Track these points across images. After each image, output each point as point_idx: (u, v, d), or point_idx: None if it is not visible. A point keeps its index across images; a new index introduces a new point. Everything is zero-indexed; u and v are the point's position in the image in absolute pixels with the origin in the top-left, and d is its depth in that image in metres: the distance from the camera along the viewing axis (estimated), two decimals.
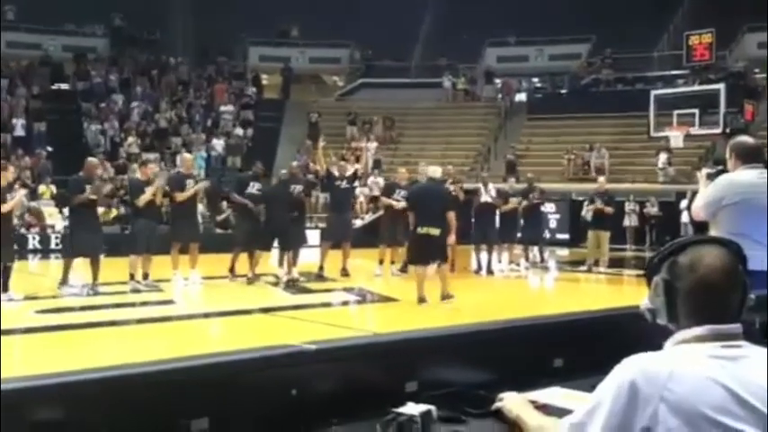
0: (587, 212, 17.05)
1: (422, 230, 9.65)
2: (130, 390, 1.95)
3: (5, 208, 9.49)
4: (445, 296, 9.58)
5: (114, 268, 11.19)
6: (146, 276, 11.01)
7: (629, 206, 20.82)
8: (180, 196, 11.55)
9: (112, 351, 6.80)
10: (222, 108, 27.08)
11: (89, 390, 1.92)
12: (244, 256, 12.13)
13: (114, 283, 10.95)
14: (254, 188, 12.27)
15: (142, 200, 10.87)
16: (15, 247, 10.99)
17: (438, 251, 9.74)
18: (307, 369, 2.18)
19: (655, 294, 1.92)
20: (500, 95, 28.66)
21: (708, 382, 1.75)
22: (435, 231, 9.61)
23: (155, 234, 11.26)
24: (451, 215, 9.83)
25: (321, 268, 12.69)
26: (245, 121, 27.17)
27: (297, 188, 12.52)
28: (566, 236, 21.16)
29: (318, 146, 13.92)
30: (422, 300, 9.61)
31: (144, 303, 9.93)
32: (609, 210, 14.57)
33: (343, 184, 13.00)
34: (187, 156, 14.50)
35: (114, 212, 18.42)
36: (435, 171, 10.62)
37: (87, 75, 27.17)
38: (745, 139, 5.11)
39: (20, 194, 11.58)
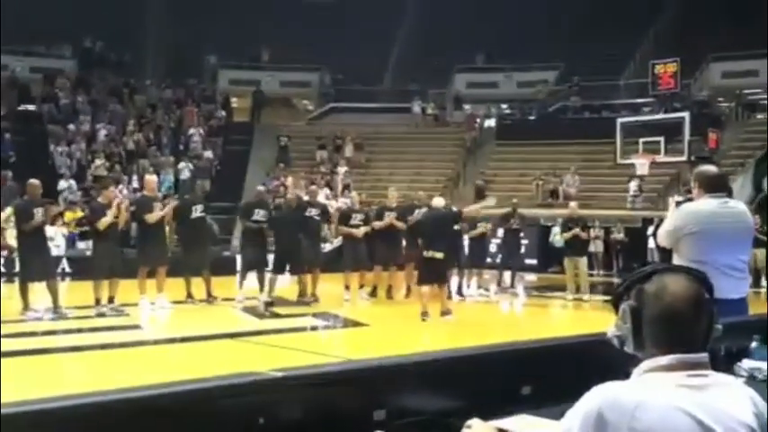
0: (558, 239, 17.10)
1: (428, 254, 10.74)
2: (88, 419, 1.91)
3: None
4: (445, 312, 10.69)
5: (78, 292, 11.04)
6: (111, 300, 10.87)
7: (594, 232, 21.00)
8: (150, 218, 11.47)
9: (73, 378, 6.70)
10: (191, 131, 26.96)
11: (44, 419, 1.88)
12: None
13: (78, 308, 10.79)
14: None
15: (103, 223, 10.71)
16: None
17: (442, 273, 11.02)
18: (274, 397, 2.15)
19: (622, 321, 1.92)
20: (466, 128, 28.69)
21: (675, 411, 1.75)
22: (439, 255, 10.67)
23: (117, 258, 11.12)
24: (457, 240, 11.63)
25: (301, 294, 12.69)
26: (213, 144, 27.06)
27: (313, 212, 12.88)
28: (534, 261, 21.25)
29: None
30: (425, 314, 10.65)
31: (109, 328, 9.79)
32: (584, 235, 14.54)
33: (314, 212, 13.01)
34: (151, 178, 14.38)
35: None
36: (439, 201, 11.90)
37: (55, 96, 26.94)
38: (708, 168, 5.20)
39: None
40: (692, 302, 1.86)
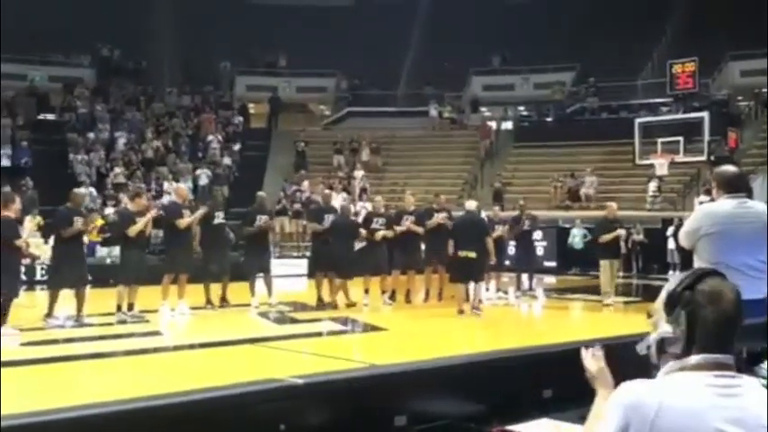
0: (578, 240, 16.94)
1: (462, 254, 11.70)
2: (109, 427, 1.93)
3: (20, 241, 9.46)
4: (475, 307, 11.69)
5: (98, 299, 11.10)
6: (131, 307, 10.92)
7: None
8: (182, 223, 11.57)
9: (96, 385, 6.73)
10: (209, 137, 27.07)
11: (67, 428, 1.90)
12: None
13: (99, 315, 10.86)
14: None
15: (133, 230, 10.82)
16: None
17: (476, 271, 11.84)
18: (295, 403, 2.16)
19: (676, 324, 1.92)
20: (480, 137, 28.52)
21: (696, 413, 1.76)
22: (473, 254, 11.62)
23: (143, 264, 11.24)
24: (489, 240, 12.02)
25: (320, 299, 12.69)
26: (231, 151, 27.16)
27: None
28: (553, 263, 21.19)
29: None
30: (461, 311, 11.64)
31: (130, 335, 9.84)
32: (624, 235, 14.14)
33: (330, 217, 13.05)
34: (181, 185, 14.62)
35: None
36: (471, 204, 12.90)
37: (74, 105, 27.15)
38: (727, 168, 5.17)
39: (28, 225, 11.57)
40: (736, 306, 1.89)
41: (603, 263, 13.61)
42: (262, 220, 12.66)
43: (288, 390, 2.16)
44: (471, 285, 12.04)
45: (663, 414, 1.75)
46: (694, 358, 1.85)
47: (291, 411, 2.16)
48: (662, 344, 1.94)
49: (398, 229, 13.24)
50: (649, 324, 2.03)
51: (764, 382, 3.23)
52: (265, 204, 13.79)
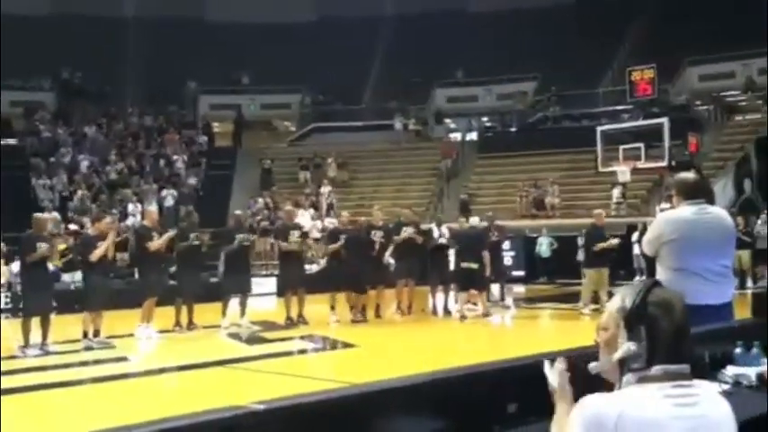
0: (545, 249, 16.94)
1: (464, 265, 13.03)
2: None
3: None
4: (485, 314, 13.28)
5: (64, 326, 10.96)
6: (96, 334, 10.77)
7: (580, 241, 21.00)
8: (153, 245, 11.48)
9: (65, 414, 6.64)
10: (173, 157, 26.91)
11: None
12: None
13: (65, 342, 10.71)
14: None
15: (95, 255, 10.67)
16: None
17: (477, 280, 13.16)
18: (257, 430, 2.14)
19: (638, 340, 1.92)
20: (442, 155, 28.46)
21: (655, 424, 1.78)
22: (475, 266, 12.90)
23: (108, 289, 11.11)
24: (485, 254, 13.21)
25: (289, 317, 12.65)
26: (196, 170, 27.00)
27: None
28: (521, 273, 21.29)
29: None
30: (463, 317, 12.94)
31: (97, 361, 9.72)
32: (614, 243, 13.57)
33: (296, 234, 13.04)
34: (151, 209, 14.53)
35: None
36: (475, 220, 14.54)
37: (35, 129, 26.85)
38: (687, 175, 5.24)
39: None
40: (686, 316, 1.91)
41: (589, 271, 13.63)
42: (239, 238, 12.56)
43: (248, 416, 2.14)
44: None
45: (622, 426, 1.77)
46: (652, 370, 1.87)
47: None
48: (624, 361, 1.94)
49: (396, 239, 13.52)
50: (599, 341, 2.03)
51: (725, 387, 3.27)
52: (243, 223, 13.74)
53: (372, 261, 13.28)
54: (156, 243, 11.58)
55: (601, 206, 22.79)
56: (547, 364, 2.20)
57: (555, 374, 2.19)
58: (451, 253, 14.21)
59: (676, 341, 1.90)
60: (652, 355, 1.89)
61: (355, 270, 12.88)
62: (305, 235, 14.59)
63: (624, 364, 1.93)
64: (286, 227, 13.47)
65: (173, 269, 13.02)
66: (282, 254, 13.33)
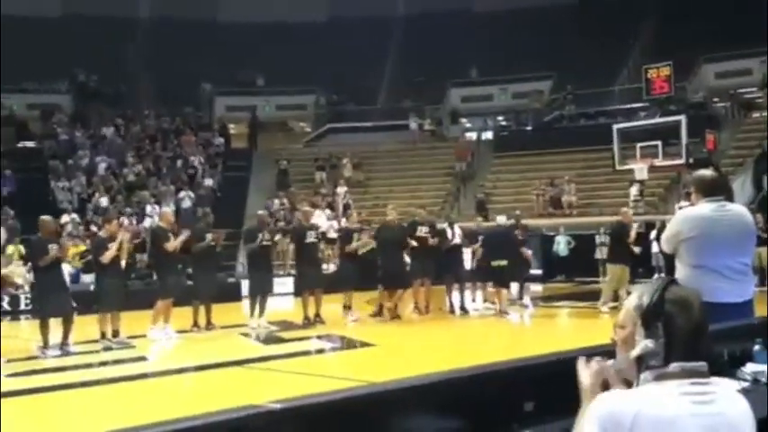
0: (563, 248, 16.84)
1: (494, 263, 13.40)
2: None
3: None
4: (503, 311, 13.51)
5: (84, 326, 11.03)
6: (116, 334, 10.85)
7: (599, 239, 20.95)
8: (169, 246, 11.54)
9: (84, 414, 6.69)
10: (190, 159, 27.03)
11: None
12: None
13: (84, 342, 10.78)
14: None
15: (106, 257, 10.72)
16: None
17: (506, 278, 13.79)
18: (274, 429, 2.15)
19: (655, 337, 1.92)
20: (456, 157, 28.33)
21: (672, 421, 1.77)
22: (504, 263, 13.39)
23: (121, 291, 11.17)
24: (524, 250, 14.44)
25: (306, 317, 12.66)
26: (213, 172, 27.11)
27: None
28: (538, 271, 21.23)
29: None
30: (503, 311, 13.51)
31: (116, 362, 9.78)
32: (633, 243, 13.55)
33: (313, 234, 13.07)
34: (166, 210, 14.61)
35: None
36: (502, 218, 14.85)
37: (53, 132, 27.04)
38: (705, 172, 5.20)
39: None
40: (703, 314, 1.91)
41: (613, 267, 13.69)
42: (264, 238, 12.61)
43: (265, 416, 2.15)
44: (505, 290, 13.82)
45: (639, 423, 1.76)
46: (669, 367, 1.86)
47: None
48: (641, 359, 1.93)
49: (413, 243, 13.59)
50: (616, 339, 2.03)
51: (743, 385, 3.25)
52: (266, 222, 13.79)
53: (387, 260, 13.30)
54: (172, 244, 11.65)
55: (618, 204, 22.81)
56: (581, 361, 2.17)
57: (588, 373, 2.15)
58: (467, 252, 14.28)
59: (694, 339, 1.89)
60: (669, 352, 1.89)
61: (394, 267, 13.10)
62: (322, 235, 14.65)
63: (641, 362, 1.93)
64: (303, 227, 13.50)
65: (189, 270, 13.09)
66: (299, 254, 13.35)
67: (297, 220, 13.81)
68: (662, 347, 1.90)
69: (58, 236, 14.75)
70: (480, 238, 14.43)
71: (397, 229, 13.61)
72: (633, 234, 13.44)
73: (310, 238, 12.99)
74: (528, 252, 14.01)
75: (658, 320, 1.92)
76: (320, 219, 20.21)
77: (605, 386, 2.04)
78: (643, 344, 1.93)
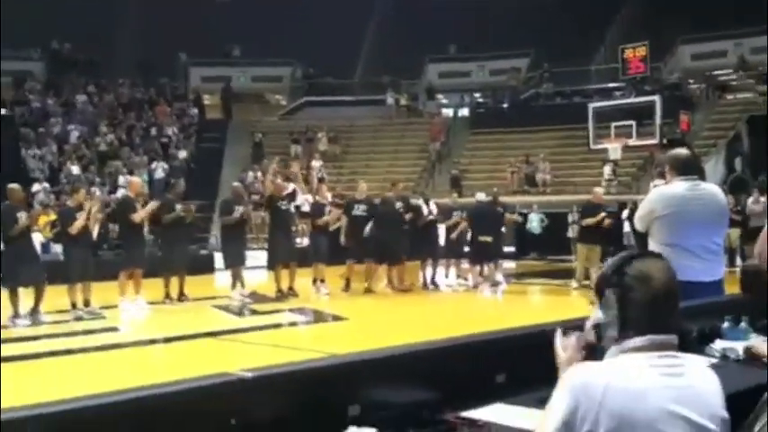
0: (535, 225, 17.02)
1: (481, 239, 14.04)
2: (59, 425, 1.90)
3: None
4: (494, 283, 14.40)
5: (55, 297, 10.94)
6: (87, 304, 10.77)
7: (571, 217, 21.08)
8: (136, 217, 11.43)
9: (55, 383, 6.64)
10: (164, 130, 26.76)
11: (17, 427, 1.87)
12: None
13: (55, 312, 10.70)
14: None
15: (74, 227, 10.60)
16: None
17: (492, 253, 14.52)
18: (245, 397, 2.14)
19: (607, 308, 1.95)
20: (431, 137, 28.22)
21: (641, 393, 1.79)
22: (489, 239, 14.08)
23: (90, 261, 11.05)
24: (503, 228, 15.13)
25: (279, 290, 12.61)
26: (187, 143, 26.88)
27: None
28: (512, 248, 21.34)
29: (271, 167, 13.84)
30: (476, 286, 14.17)
31: (88, 332, 9.72)
32: (609, 222, 13.59)
33: (285, 205, 12.99)
34: (134, 179, 14.39)
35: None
36: (481, 195, 15.16)
37: (25, 99, 26.64)
38: (679, 151, 5.21)
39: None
40: (669, 286, 1.91)
41: (581, 247, 13.83)
42: (239, 210, 12.51)
43: (237, 383, 2.14)
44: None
45: (609, 395, 1.77)
46: (636, 340, 1.88)
47: (243, 405, 2.14)
48: (599, 329, 1.96)
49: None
50: (591, 310, 2.05)
51: (713, 361, 3.29)
52: (242, 194, 13.68)
53: (355, 235, 13.31)
54: (139, 214, 11.52)
55: (592, 183, 22.94)
56: (558, 333, 2.18)
57: (565, 346, 2.15)
58: (441, 228, 14.36)
59: (653, 312, 1.89)
60: (624, 324, 1.91)
61: (387, 241, 13.15)
62: (296, 208, 14.60)
63: (598, 333, 1.95)
64: (276, 198, 13.36)
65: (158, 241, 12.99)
66: (273, 226, 13.27)
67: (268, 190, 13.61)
68: (615, 319, 1.92)
69: (29, 204, 14.58)
70: (458, 213, 14.49)
71: (394, 206, 13.66)
72: (598, 218, 13.42)
73: (283, 207, 12.92)
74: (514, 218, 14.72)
75: (612, 292, 1.93)
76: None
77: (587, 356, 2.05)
78: (595, 314, 1.97)
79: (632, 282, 1.91)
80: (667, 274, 1.92)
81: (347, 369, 2.50)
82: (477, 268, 14.53)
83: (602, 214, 13.53)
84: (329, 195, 15.29)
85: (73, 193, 11.46)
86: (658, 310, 1.90)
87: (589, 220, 13.53)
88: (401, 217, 13.53)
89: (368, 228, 13.33)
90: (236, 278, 12.35)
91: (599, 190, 14.50)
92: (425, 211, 14.05)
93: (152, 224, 12.31)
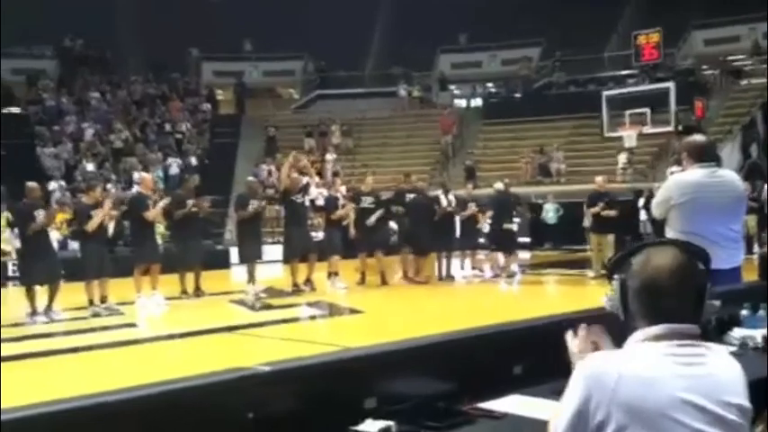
0: (551, 215, 17.01)
1: (506, 226, 14.25)
2: (79, 421, 1.91)
3: None
4: (510, 274, 14.44)
5: (72, 293, 11.01)
6: (104, 300, 10.83)
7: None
8: (149, 215, 11.46)
9: (74, 380, 6.69)
10: (177, 126, 26.84)
11: (38, 422, 1.88)
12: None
13: (73, 309, 10.76)
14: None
15: (91, 224, 10.64)
16: None
17: (513, 242, 15.06)
18: (262, 391, 2.15)
19: (612, 293, 1.98)
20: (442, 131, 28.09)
21: (654, 381, 1.78)
22: (512, 227, 14.67)
23: (106, 257, 11.10)
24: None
25: (295, 284, 12.60)
26: (200, 138, 26.95)
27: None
28: (526, 239, 21.30)
29: (287, 162, 13.83)
30: (496, 276, 14.38)
31: (105, 328, 9.77)
32: (611, 213, 13.47)
33: (299, 198, 13.01)
34: (146, 175, 14.40)
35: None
36: (499, 185, 14.82)
37: (39, 98, 26.77)
38: (696, 137, 5.18)
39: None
40: (674, 274, 1.89)
41: (593, 236, 13.93)
42: (254, 204, 12.50)
43: (254, 377, 2.14)
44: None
45: (622, 383, 1.77)
46: (655, 328, 1.87)
47: (260, 399, 2.15)
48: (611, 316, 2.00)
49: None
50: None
51: (731, 349, 3.27)
52: (256, 189, 13.70)
53: (366, 228, 13.33)
54: (153, 212, 11.54)
55: (607, 172, 22.84)
56: (569, 335, 2.19)
57: (576, 340, 2.16)
58: (457, 220, 14.37)
59: (654, 301, 1.89)
60: (626, 311, 1.93)
61: (418, 233, 13.40)
62: (311, 202, 14.63)
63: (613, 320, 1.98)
64: (293, 191, 13.39)
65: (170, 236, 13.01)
66: (288, 220, 13.27)
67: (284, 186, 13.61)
68: (619, 304, 1.94)
69: (46, 202, 14.65)
70: (473, 205, 14.46)
71: (426, 198, 14.06)
72: (598, 207, 13.43)
73: (299, 199, 12.94)
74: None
75: (616, 280, 1.97)
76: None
77: (597, 347, 2.05)
78: (605, 300, 2.01)
79: (632, 270, 1.93)
80: (671, 262, 1.90)
81: (363, 362, 2.50)
82: (498, 257, 14.61)
83: (601, 204, 13.49)
84: (343, 189, 15.30)
85: (89, 191, 11.51)
86: (657, 298, 1.88)
87: (592, 210, 13.59)
88: (430, 209, 13.72)
89: (373, 218, 13.32)
90: (251, 273, 12.37)
91: (600, 179, 14.35)
92: (444, 202, 14.05)
93: (166, 220, 12.33)
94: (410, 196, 13.92)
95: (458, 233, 14.64)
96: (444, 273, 14.15)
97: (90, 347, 8.47)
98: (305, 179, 14.41)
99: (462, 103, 30.45)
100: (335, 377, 2.35)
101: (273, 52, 31.77)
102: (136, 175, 22.52)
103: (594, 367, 1.83)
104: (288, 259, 12.89)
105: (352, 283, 13.21)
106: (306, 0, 31.99)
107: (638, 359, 1.82)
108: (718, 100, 24.88)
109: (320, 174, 24.63)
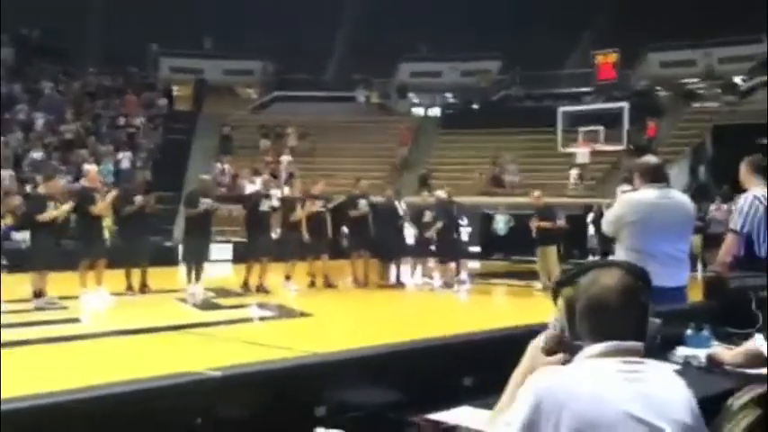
0: (502, 226, 17.17)
1: (453, 236, 14.47)
2: (16, 425, 1.85)
3: None
4: (459, 282, 14.62)
5: (14, 285, 10.77)
6: (42, 293, 10.57)
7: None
8: (96, 209, 11.25)
9: (10, 377, 6.53)
10: (131, 119, 26.47)
11: None
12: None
13: (14, 301, 10.51)
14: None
15: (46, 216, 10.43)
16: None
17: (460, 251, 15.31)
18: (212, 396, 2.12)
19: (558, 313, 2.01)
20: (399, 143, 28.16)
21: (604, 397, 1.80)
22: (457, 236, 15.07)
23: (55, 250, 10.88)
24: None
25: (245, 284, 12.53)
26: (154, 133, 26.61)
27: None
28: (477, 248, 21.44)
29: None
30: (446, 284, 14.21)
31: (48, 322, 9.55)
32: (546, 224, 13.83)
33: (267, 204, 12.96)
34: (92, 168, 14.13)
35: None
36: (440, 193, 14.89)
37: None
38: (649, 158, 5.28)
39: None
40: (620, 293, 1.93)
41: (539, 248, 14.03)
42: (205, 203, 12.31)
43: (205, 382, 2.12)
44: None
45: (572, 399, 1.80)
46: (601, 345, 1.91)
47: (208, 404, 2.12)
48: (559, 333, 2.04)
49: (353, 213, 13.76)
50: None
51: (675, 367, 3.32)
52: (209, 187, 13.54)
53: (314, 231, 13.29)
54: (99, 207, 11.35)
55: (560, 186, 23.12)
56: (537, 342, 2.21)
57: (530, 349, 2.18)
58: (407, 226, 14.43)
59: (600, 319, 1.93)
60: (572, 329, 1.97)
61: (382, 238, 13.55)
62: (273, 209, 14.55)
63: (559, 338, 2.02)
64: (258, 195, 13.39)
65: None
66: (251, 222, 13.12)
67: (238, 187, 13.59)
68: (565, 323, 1.98)
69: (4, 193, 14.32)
70: (430, 213, 14.47)
71: (392, 204, 14.27)
72: (535, 222, 13.83)
73: (264, 206, 12.86)
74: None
75: (561, 300, 2.01)
76: (255, 186, 19.90)
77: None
78: (551, 318, 2.05)
79: (579, 289, 1.97)
80: (616, 282, 1.94)
81: (314, 370, 2.49)
82: (448, 266, 14.53)
83: (533, 218, 13.94)
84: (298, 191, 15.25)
85: (46, 181, 11.28)
86: (603, 317, 1.92)
87: (536, 223, 13.90)
88: (395, 214, 14.00)
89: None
90: (190, 272, 12.19)
91: (535, 192, 14.67)
92: (401, 211, 14.24)
93: (114, 215, 12.13)
94: (377, 200, 14.11)
95: (409, 240, 14.72)
96: (394, 279, 14.17)
97: (27, 342, 8.27)
98: (257, 179, 14.39)
99: (420, 111, 30.54)
100: (286, 384, 2.33)
101: (233, 50, 31.51)
102: (85, 168, 22.16)
103: (546, 380, 1.85)
104: (243, 259, 12.81)
105: (303, 286, 13.17)
106: (269, 0, 31.88)
107: (586, 375, 1.85)
108: (669, 121, 25.37)
109: (274, 175, 24.50)
